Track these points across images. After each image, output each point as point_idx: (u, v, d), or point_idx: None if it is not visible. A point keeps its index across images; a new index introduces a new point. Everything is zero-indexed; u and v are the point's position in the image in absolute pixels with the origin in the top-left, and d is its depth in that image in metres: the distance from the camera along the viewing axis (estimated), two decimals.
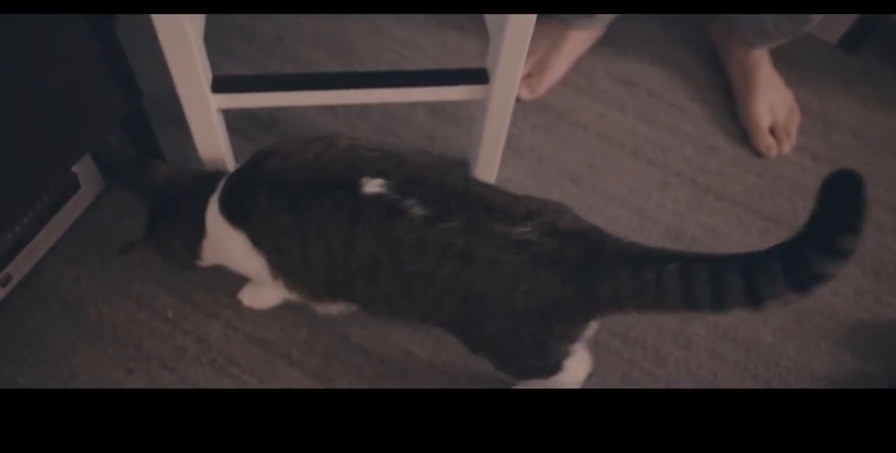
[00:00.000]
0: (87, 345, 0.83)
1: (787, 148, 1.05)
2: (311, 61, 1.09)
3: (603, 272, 0.59)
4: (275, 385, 0.82)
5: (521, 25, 0.74)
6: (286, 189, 0.65)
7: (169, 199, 0.78)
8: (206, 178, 0.75)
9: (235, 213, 0.69)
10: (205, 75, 0.76)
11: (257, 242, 0.68)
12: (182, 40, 0.70)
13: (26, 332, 0.84)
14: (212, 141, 0.84)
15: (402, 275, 0.62)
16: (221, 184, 0.71)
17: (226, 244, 0.71)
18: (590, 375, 0.79)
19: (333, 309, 0.75)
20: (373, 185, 0.62)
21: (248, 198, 0.67)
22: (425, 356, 0.85)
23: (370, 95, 0.85)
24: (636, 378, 0.85)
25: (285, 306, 0.84)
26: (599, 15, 1.05)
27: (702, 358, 0.86)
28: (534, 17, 0.73)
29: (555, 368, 0.71)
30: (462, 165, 1.00)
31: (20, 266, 0.86)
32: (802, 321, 0.90)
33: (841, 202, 0.53)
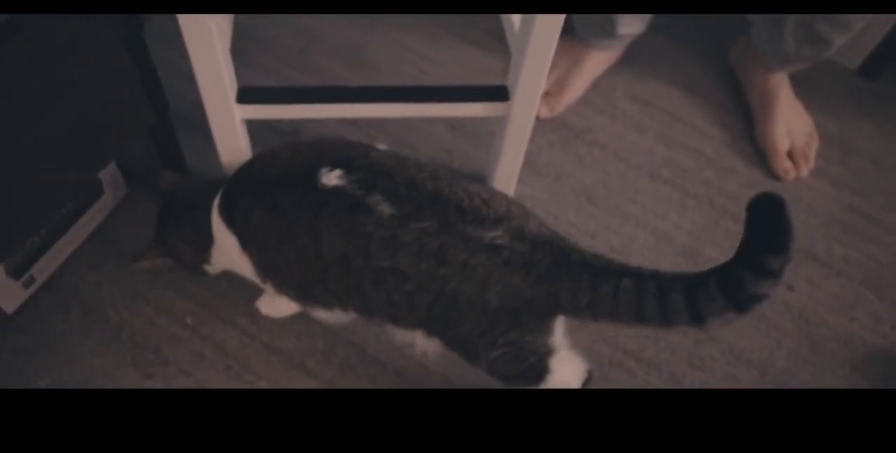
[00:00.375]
0: (107, 349, 0.84)
1: (804, 172, 1.05)
2: (333, 74, 1.11)
3: (566, 280, 0.61)
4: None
5: (543, 43, 0.75)
6: (262, 189, 0.67)
7: (176, 206, 0.79)
8: (211, 185, 0.76)
9: (228, 217, 0.71)
10: (230, 86, 0.78)
11: (244, 244, 0.70)
12: (209, 51, 0.71)
13: (47, 335, 0.85)
14: (235, 150, 0.85)
15: (375, 268, 0.62)
16: (221, 190, 0.73)
17: (226, 248, 0.73)
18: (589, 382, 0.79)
19: (326, 314, 0.73)
20: (331, 177, 0.63)
21: (234, 201, 0.70)
22: (440, 370, 0.86)
23: (391, 110, 0.86)
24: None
25: (302, 316, 0.85)
26: (619, 35, 1.06)
27: (716, 381, 0.86)
28: (557, 35, 0.74)
29: (541, 369, 0.70)
30: (480, 177, 1.01)
31: (43, 269, 0.87)
32: (818, 346, 0.89)
33: (768, 225, 0.55)
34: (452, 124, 1.07)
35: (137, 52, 0.78)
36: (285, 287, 0.71)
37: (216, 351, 0.84)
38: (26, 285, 0.86)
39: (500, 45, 1.16)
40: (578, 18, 1.07)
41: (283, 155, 0.70)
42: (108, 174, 0.92)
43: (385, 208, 0.61)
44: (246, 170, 0.72)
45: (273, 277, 0.71)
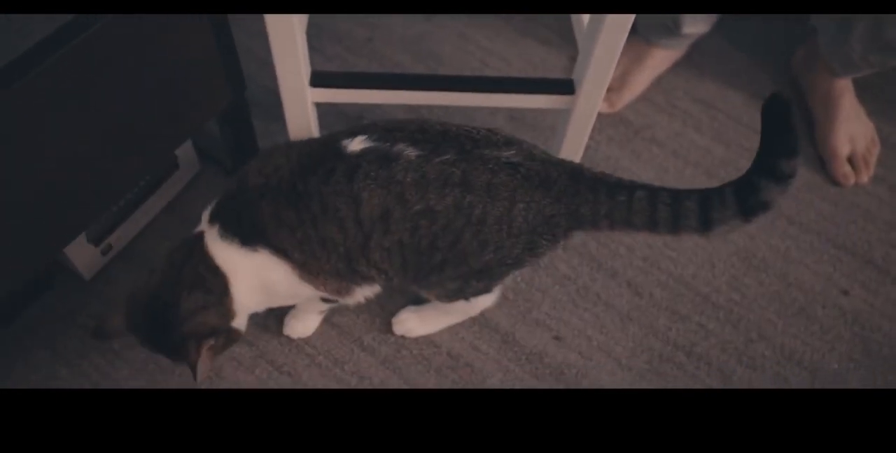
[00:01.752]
0: None
1: (864, 178, 1.04)
2: (398, 63, 1.14)
3: (585, 193, 0.65)
4: (347, 369, 0.86)
5: (612, 41, 0.76)
6: (279, 187, 0.66)
7: (153, 309, 0.69)
8: (181, 247, 0.71)
9: (248, 236, 0.67)
10: (305, 70, 0.80)
11: (280, 249, 0.67)
12: (289, 38, 0.74)
13: (122, 299, 0.89)
14: (304, 131, 0.87)
15: (410, 216, 0.64)
16: (212, 228, 0.69)
17: (250, 273, 0.69)
18: (652, 385, 0.80)
19: (361, 294, 0.75)
20: (356, 143, 0.66)
21: (252, 216, 0.67)
22: (493, 353, 0.88)
23: (458, 98, 0.87)
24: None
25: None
26: (683, 34, 1.06)
27: (766, 379, 0.87)
28: (626, 32, 0.75)
29: (488, 289, 0.77)
30: None
31: (121, 238, 0.92)
32: (871, 352, 0.89)
33: (776, 130, 0.61)
34: (512, 115, 1.09)
35: (221, 32, 0.81)
36: (327, 273, 0.70)
37: (279, 324, 0.88)
38: (104, 252, 0.91)
39: (562, 41, 1.18)
40: (643, 16, 1.08)
41: (277, 156, 0.69)
42: (184, 151, 0.96)
43: (410, 151, 0.64)
44: (242, 188, 0.69)
45: (315, 266, 0.69)
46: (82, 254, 0.88)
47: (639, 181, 0.67)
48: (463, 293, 0.76)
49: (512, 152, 0.65)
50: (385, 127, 0.68)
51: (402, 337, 0.88)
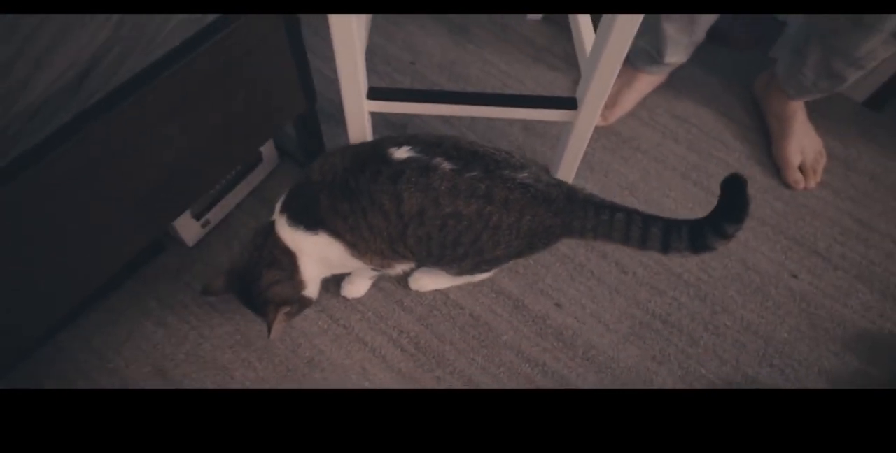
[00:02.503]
0: None
1: (812, 183, 0.94)
2: (435, 82, 1.05)
3: (577, 211, 0.63)
4: (389, 324, 0.80)
5: (609, 66, 0.70)
6: (334, 183, 0.63)
7: (245, 275, 0.68)
8: (261, 233, 0.69)
9: (310, 222, 0.64)
10: (363, 85, 0.75)
11: (335, 232, 0.64)
12: (351, 60, 0.69)
13: (215, 265, 0.84)
14: (361, 134, 0.82)
15: (441, 215, 0.61)
16: (282, 217, 0.66)
17: (313, 252, 0.66)
18: (633, 345, 0.73)
19: (400, 268, 0.71)
20: (401, 152, 0.61)
21: (313, 206, 0.63)
22: (506, 315, 0.81)
23: (484, 111, 0.81)
24: (671, 354, 0.78)
25: None
26: (665, 62, 0.96)
27: (727, 345, 0.79)
28: (621, 61, 0.68)
29: (489, 270, 0.76)
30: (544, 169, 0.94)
31: (216, 214, 0.86)
32: (815, 325, 0.80)
33: (733, 200, 0.57)
34: (526, 126, 1.00)
35: (296, 49, 0.75)
36: (373, 251, 0.66)
37: (336, 286, 0.82)
38: (203, 225, 0.85)
39: (567, 67, 1.08)
40: (632, 48, 0.98)
41: (334, 157, 0.65)
42: (267, 148, 0.90)
43: (446, 165, 0.60)
44: (307, 182, 0.65)
45: (363, 247, 0.66)
46: (187, 226, 0.82)
47: (619, 204, 0.63)
48: (471, 272, 0.72)
49: (525, 175, 0.62)
50: (425, 141, 0.63)
51: (435, 300, 0.81)
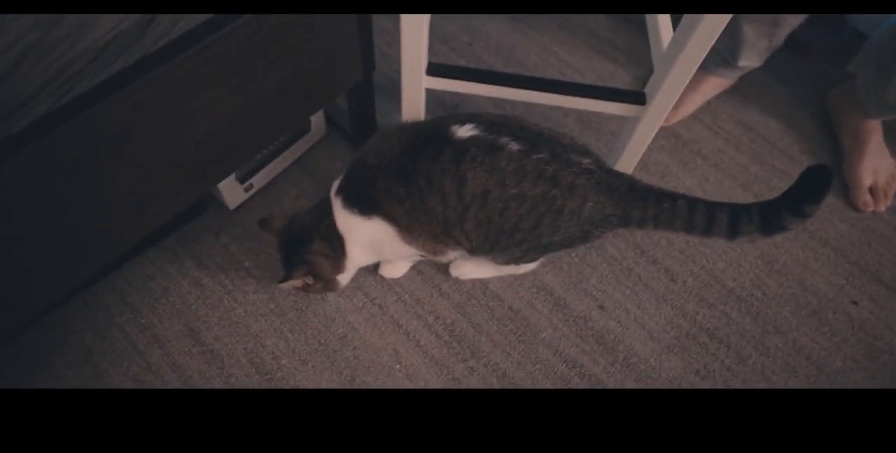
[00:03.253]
0: None
1: (882, 207, 0.88)
2: (490, 65, 1.02)
3: (638, 201, 0.61)
4: (426, 308, 0.78)
5: (686, 65, 0.65)
6: (390, 167, 0.60)
7: (298, 233, 0.68)
8: (317, 207, 0.68)
9: (365, 206, 0.63)
10: (423, 60, 0.71)
11: (390, 216, 0.62)
12: (418, 34, 0.66)
13: (255, 229, 0.82)
14: (414, 111, 0.78)
15: (505, 197, 0.59)
16: (337, 199, 0.65)
17: (362, 236, 0.65)
18: (677, 357, 0.69)
19: (450, 255, 0.68)
20: (464, 130, 0.59)
21: (369, 190, 0.61)
22: (546, 312, 0.78)
23: (546, 98, 0.77)
24: (716, 370, 0.74)
25: None
26: (738, 66, 0.91)
27: (776, 367, 0.75)
28: (701, 58, 0.64)
29: (536, 260, 0.74)
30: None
31: (260, 180, 0.84)
32: (873, 356, 0.76)
33: (814, 183, 0.57)
34: (582, 118, 0.96)
35: (363, 24, 0.72)
36: (426, 236, 0.64)
37: (375, 265, 0.79)
38: (246, 190, 0.83)
39: (629, 61, 1.03)
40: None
41: (391, 138, 0.61)
42: (316, 118, 0.87)
43: (513, 145, 0.58)
44: (358, 168, 0.63)
45: (417, 231, 0.63)
46: (230, 189, 0.81)
47: (679, 192, 0.61)
48: (519, 261, 0.69)
49: (589, 160, 0.60)
50: (489, 120, 0.60)
51: (474, 289, 0.79)
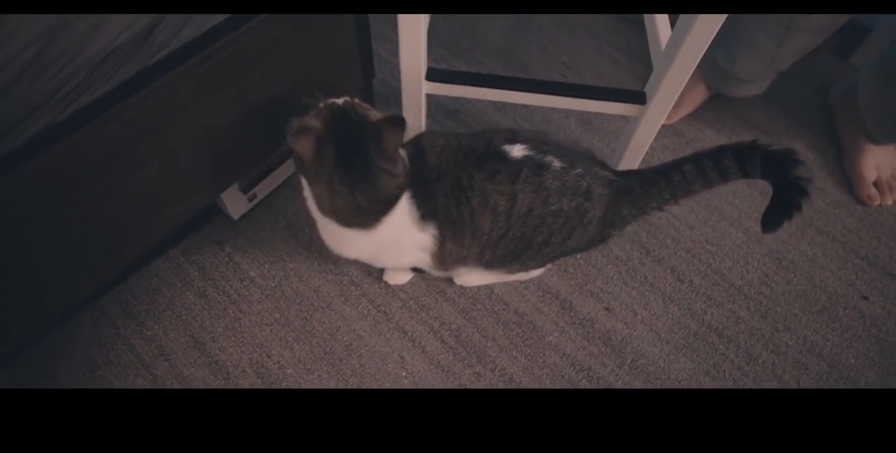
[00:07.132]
0: (301, 256, 0.81)
1: (889, 200, 0.87)
2: (491, 70, 1.01)
3: (652, 189, 0.62)
4: (431, 314, 0.77)
5: (684, 64, 0.65)
6: (447, 177, 0.57)
7: (424, 170, 0.61)
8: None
9: (426, 213, 0.59)
10: (423, 66, 0.71)
11: (441, 234, 0.59)
12: (415, 39, 0.66)
13: (258, 240, 0.82)
14: (415, 116, 0.79)
15: (544, 214, 0.59)
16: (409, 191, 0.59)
17: (397, 232, 0.59)
18: (686, 358, 0.68)
19: (461, 271, 0.67)
20: (517, 150, 0.59)
21: (432, 198, 0.58)
22: (552, 315, 0.77)
23: (547, 100, 0.76)
24: (726, 370, 0.73)
25: None
26: (736, 96, 0.91)
27: (787, 365, 0.73)
28: (699, 57, 0.63)
29: (545, 265, 0.74)
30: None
31: (264, 189, 0.84)
32: (886, 352, 0.74)
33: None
34: (583, 119, 0.95)
35: (361, 32, 0.73)
36: (455, 256, 0.62)
37: (379, 271, 0.79)
38: (250, 199, 0.83)
39: (630, 61, 1.02)
40: (706, 62, 0.92)
41: (448, 147, 0.59)
42: None
43: (557, 163, 0.59)
44: (422, 168, 0.59)
45: (450, 249, 0.61)
46: (234, 199, 0.80)
47: (679, 157, 0.62)
48: (528, 268, 0.69)
49: (609, 172, 0.63)
50: (533, 138, 0.61)
51: (479, 293, 0.78)
